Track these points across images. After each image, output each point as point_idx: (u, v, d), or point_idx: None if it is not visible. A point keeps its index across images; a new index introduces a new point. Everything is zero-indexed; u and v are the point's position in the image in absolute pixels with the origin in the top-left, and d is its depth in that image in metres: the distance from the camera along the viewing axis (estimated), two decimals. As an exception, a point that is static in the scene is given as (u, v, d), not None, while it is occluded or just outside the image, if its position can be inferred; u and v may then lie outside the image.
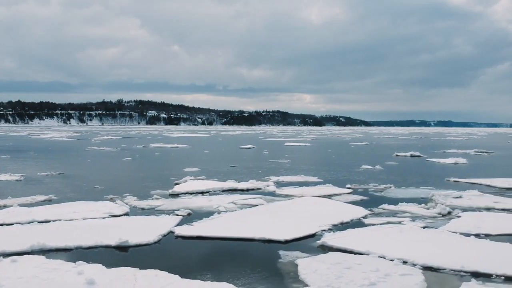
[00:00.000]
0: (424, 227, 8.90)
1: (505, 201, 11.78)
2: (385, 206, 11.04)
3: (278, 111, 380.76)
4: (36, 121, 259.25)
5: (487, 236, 8.27)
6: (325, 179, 16.74)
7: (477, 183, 15.81)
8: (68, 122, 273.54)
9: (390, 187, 14.58)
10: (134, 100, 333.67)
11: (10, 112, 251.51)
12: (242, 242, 7.89)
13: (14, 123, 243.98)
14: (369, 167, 21.66)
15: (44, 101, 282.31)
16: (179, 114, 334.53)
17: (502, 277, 5.99)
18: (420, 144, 50.38)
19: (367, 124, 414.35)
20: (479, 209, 10.97)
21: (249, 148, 39.24)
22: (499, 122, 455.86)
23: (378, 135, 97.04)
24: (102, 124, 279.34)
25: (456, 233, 8.29)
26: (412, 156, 30.58)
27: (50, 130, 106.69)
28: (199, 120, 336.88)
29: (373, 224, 9.10)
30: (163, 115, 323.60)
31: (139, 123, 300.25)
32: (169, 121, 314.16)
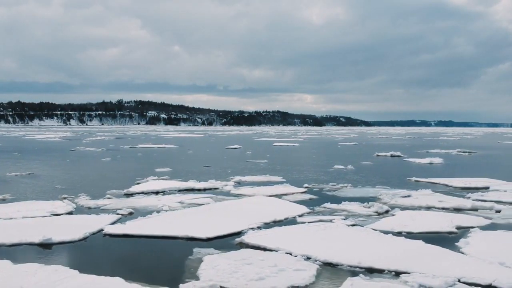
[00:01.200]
0: (352, 225, 9.14)
1: (449, 200, 11.98)
2: (328, 205, 11.28)
3: (278, 111, 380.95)
4: (36, 121, 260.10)
5: (408, 233, 8.51)
6: (289, 179, 16.98)
7: (436, 183, 16.04)
8: (68, 122, 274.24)
9: (346, 187, 14.82)
10: (134, 101, 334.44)
11: (10, 113, 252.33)
12: (165, 240, 8.14)
13: (14, 123, 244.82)
14: (341, 167, 21.89)
15: (45, 101, 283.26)
16: (179, 115, 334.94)
17: (393, 273, 6.23)
18: (409, 144, 50.57)
19: (367, 124, 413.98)
20: (419, 207, 11.20)
21: (235, 148, 39.48)
22: (500, 122, 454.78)
23: (373, 135, 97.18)
24: (102, 124, 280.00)
25: (376, 230, 8.53)
26: (392, 156, 30.79)
27: (47, 131, 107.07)
28: (199, 120, 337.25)
29: (303, 222, 9.34)
30: (163, 116, 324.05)
31: (139, 124, 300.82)
32: (169, 122, 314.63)
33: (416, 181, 16.77)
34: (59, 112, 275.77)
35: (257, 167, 22.28)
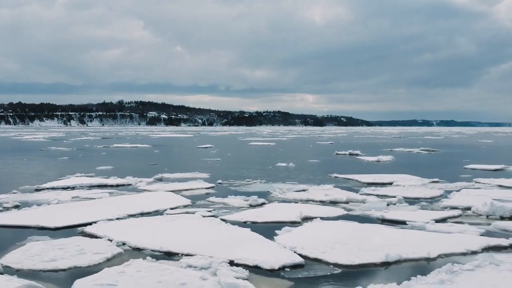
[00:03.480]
0: (210, 216, 9.67)
1: (336, 194, 12.43)
2: (213, 199, 11.86)
3: (279, 112, 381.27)
4: (37, 122, 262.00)
5: (253, 223, 9.09)
6: (213, 175, 17.51)
7: (350, 178, 16.59)
8: (68, 123, 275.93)
9: (255, 183, 15.38)
10: (135, 101, 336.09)
11: (11, 114, 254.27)
12: (17, 229, 8.73)
13: (14, 124, 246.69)
14: (283, 164, 22.45)
15: (45, 102, 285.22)
16: (179, 115, 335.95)
17: (184, 256, 6.78)
18: (383, 143, 50.94)
19: (369, 124, 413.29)
20: (300, 201, 11.72)
21: (205, 147, 40.08)
22: (502, 121, 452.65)
23: (364, 135, 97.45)
24: (103, 125, 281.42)
25: (224, 221, 9.12)
26: (350, 154, 31.27)
27: (42, 131, 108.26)
28: (200, 120, 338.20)
29: (169, 214, 9.92)
30: (163, 116, 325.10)
31: (139, 124, 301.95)
32: (169, 122, 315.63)
33: (335, 177, 17.30)
34: (59, 113, 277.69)
35: (202, 164, 22.88)
